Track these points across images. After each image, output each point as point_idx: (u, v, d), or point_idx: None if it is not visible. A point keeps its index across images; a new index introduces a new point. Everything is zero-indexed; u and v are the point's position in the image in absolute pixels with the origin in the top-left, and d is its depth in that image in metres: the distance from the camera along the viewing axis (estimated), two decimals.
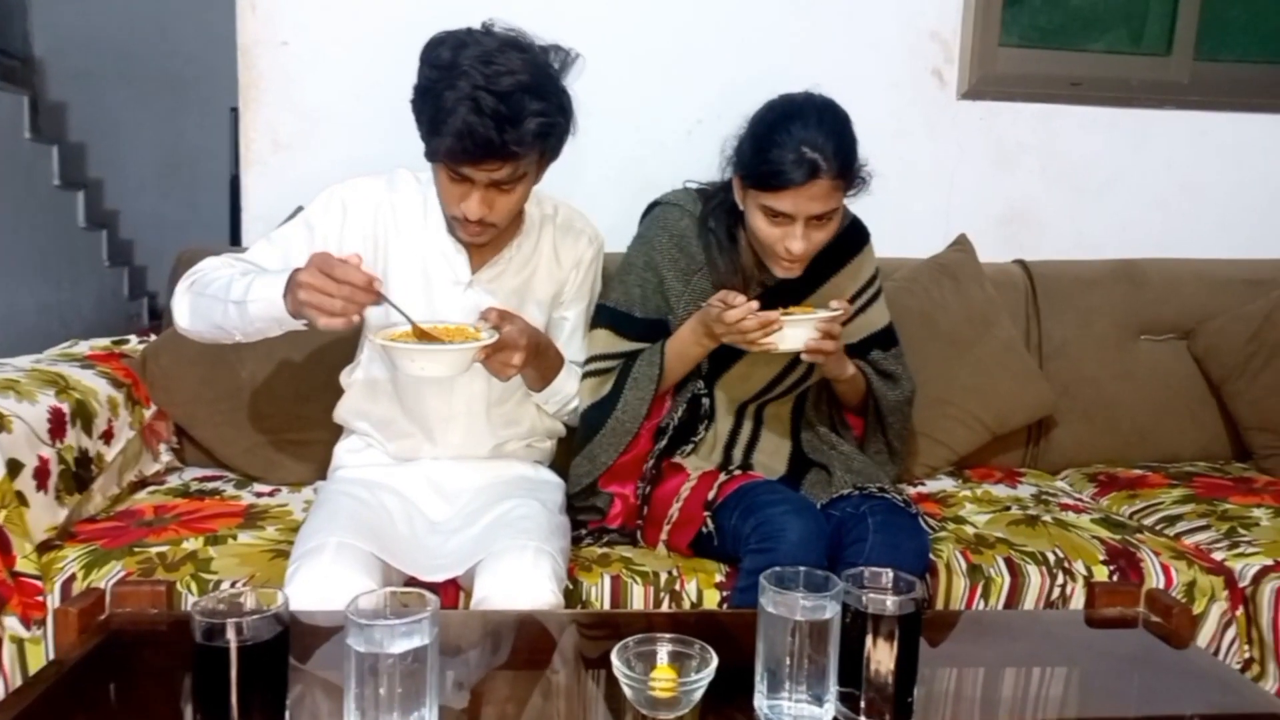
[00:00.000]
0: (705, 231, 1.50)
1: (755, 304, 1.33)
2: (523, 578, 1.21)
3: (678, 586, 1.41)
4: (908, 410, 1.63)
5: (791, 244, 1.38)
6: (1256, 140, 2.31)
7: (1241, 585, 1.53)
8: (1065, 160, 2.25)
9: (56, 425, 1.45)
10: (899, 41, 2.14)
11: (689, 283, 1.51)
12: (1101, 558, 1.54)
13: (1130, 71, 2.29)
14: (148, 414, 1.72)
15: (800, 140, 1.33)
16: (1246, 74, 2.34)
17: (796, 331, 1.35)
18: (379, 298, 1.18)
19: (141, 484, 1.70)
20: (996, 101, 2.20)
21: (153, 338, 1.84)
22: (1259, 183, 2.32)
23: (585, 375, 1.51)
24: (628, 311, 1.51)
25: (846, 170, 1.37)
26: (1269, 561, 1.54)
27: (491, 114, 1.20)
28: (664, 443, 1.52)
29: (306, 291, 1.16)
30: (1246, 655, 1.54)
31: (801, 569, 0.91)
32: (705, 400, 1.54)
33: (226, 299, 1.26)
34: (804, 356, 1.40)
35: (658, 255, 1.51)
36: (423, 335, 1.26)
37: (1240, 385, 2.02)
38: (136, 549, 1.39)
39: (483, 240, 1.38)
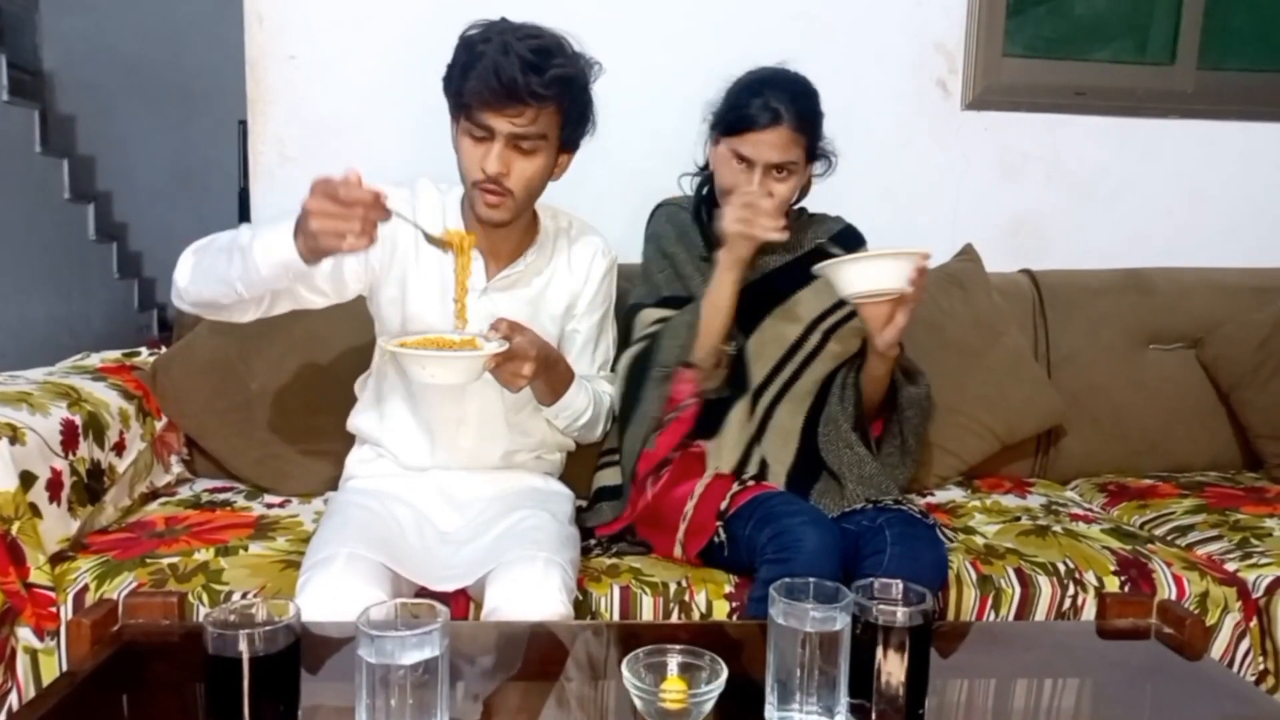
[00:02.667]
0: (699, 214, 1.59)
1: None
2: (533, 589, 1.21)
3: (687, 597, 1.41)
4: (926, 406, 1.62)
5: (751, 186, 1.45)
6: (1262, 148, 2.30)
7: (1255, 596, 1.53)
8: (1071, 170, 2.25)
9: (69, 437, 1.46)
10: (903, 53, 2.15)
11: (700, 267, 1.57)
12: (1113, 568, 1.53)
13: (1135, 81, 2.30)
14: (159, 426, 1.73)
15: (767, 93, 1.46)
16: (1251, 83, 2.34)
17: (899, 265, 1.32)
18: (388, 212, 1.15)
19: (153, 495, 1.71)
20: (1001, 112, 2.20)
21: (163, 350, 1.85)
22: (1265, 191, 2.32)
23: (629, 351, 1.54)
24: (659, 296, 1.58)
25: (806, 125, 1.47)
26: None
27: (519, 57, 1.27)
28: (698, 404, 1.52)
29: (319, 220, 1.12)
30: (1261, 667, 1.52)
31: (811, 580, 0.91)
32: (736, 347, 1.54)
33: (232, 247, 1.23)
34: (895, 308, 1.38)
35: (667, 245, 1.61)
36: (433, 344, 1.27)
37: (1250, 393, 2.02)
38: (148, 560, 1.40)
39: (499, 214, 1.36)
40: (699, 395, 1.52)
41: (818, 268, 1.40)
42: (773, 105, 1.44)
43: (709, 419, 1.55)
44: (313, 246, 1.15)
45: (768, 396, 1.58)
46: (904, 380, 1.58)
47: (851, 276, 1.34)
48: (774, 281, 1.58)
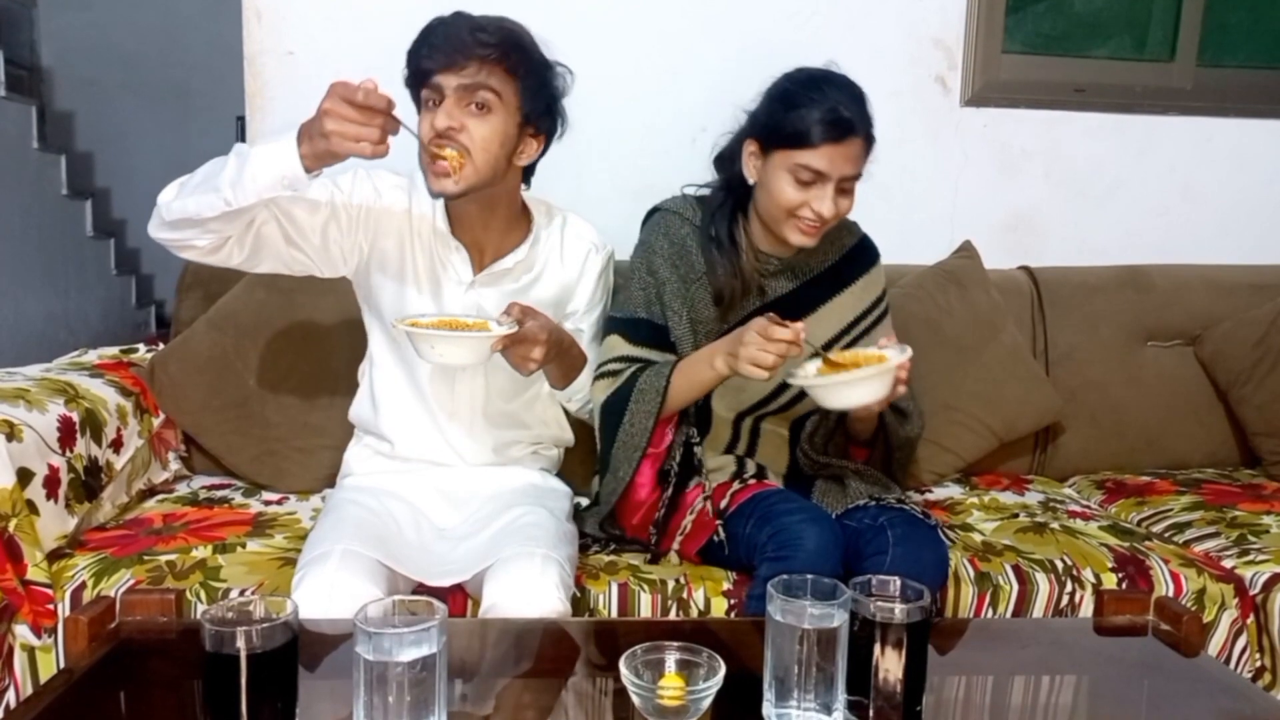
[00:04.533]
0: (706, 238, 1.49)
1: (801, 326, 1.27)
2: (530, 585, 1.21)
3: (685, 594, 1.41)
4: (914, 446, 1.59)
5: (822, 206, 1.36)
6: (1260, 145, 2.30)
7: (1252, 593, 1.53)
8: (1069, 166, 2.25)
9: (66, 434, 1.46)
10: (902, 49, 2.14)
11: (688, 291, 1.49)
12: (1110, 565, 1.53)
13: (1134, 78, 2.29)
14: (156, 422, 1.73)
15: (834, 99, 1.35)
16: (1249, 79, 2.34)
17: (872, 386, 1.24)
18: (398, 123, 1.15)
19: (150, 492, 1.71)
20: (1000, 108, 2.20)
21: (161, 346, 1.84)
22: (1263, 188, 2.32)
23: (597, 378, 1.50)
24: (633, 316, 1.50)
25: (870, 139, 1.38)
26: (1279, 569, 1.54)
27: (466, 20, 1.30)
28: (669, 491, 1.48)
29: (336, 121, 1.10)
30: (1258, 663, 1.53)
31: (809, 577, 0.91)
32: (697, 449, 1.50)
33: (228, 157, 1.21)
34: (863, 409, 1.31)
35: (658, 260, 1.50)
36: (446, 326, 1.28)
37: (1247, 390, 2.02)
38: (146, 557, 1.40)
39: (450, 186, 1.30)
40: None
41: (796, 383, 1.29)
42: (845, 115, 1.34)
43: (685, 472, 1.51)
44: (322, 150, 1.13)
45: (751, 417, 1.56)
46: (899, 423, 1.52)
47: (831, 398, 1.28)
48: (780, 309, 1.47)
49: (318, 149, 1.14)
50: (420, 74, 1.31)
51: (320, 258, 1.38)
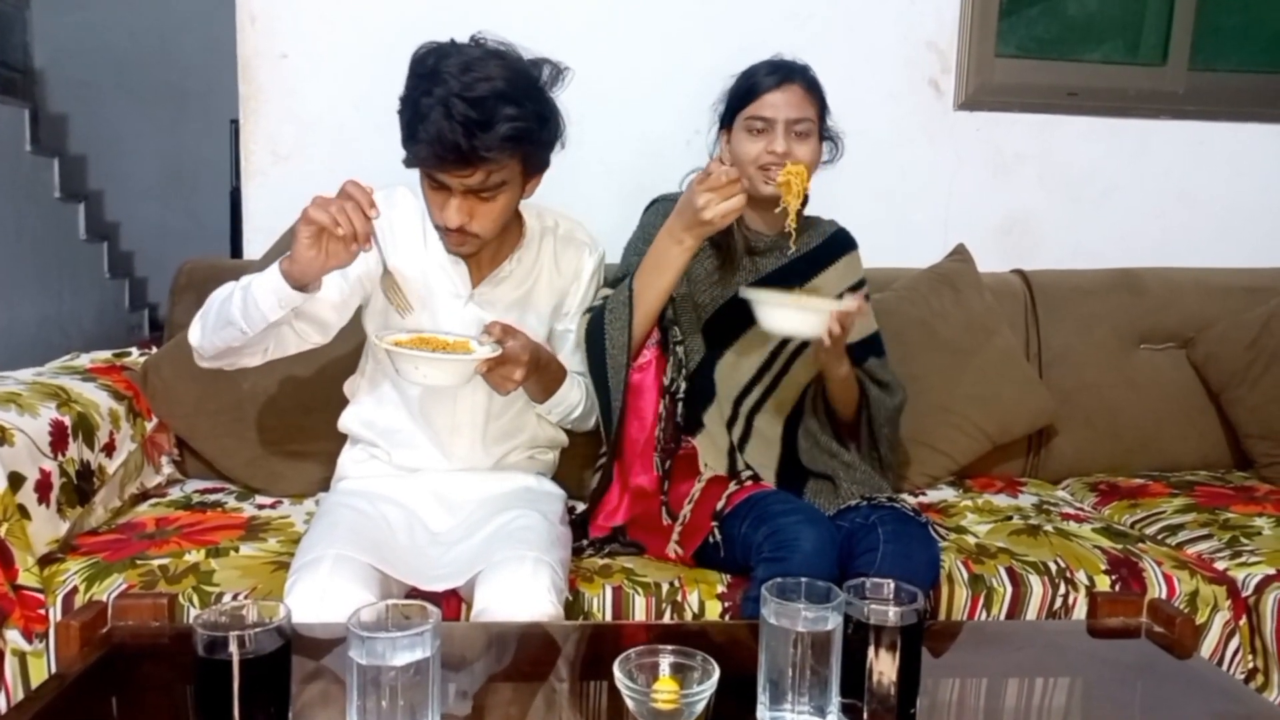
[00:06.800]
0: None
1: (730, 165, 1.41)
2: (521, 589, 1.21)
3: (679, 598, 1.41)
4: (898, 420, 1.63)
5: (776, 144, 1.46)
6: (1253, 149, 2.31)
7: (1244, 595, 1.53)
8: (1063, 170, 2.26)
9: (58, 438, 1.45)
10: (897, 52, 2.15)
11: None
12: (1103, 567, 1.53)
13: (1127, 81, 2.30)
14: (149, 426, 1.73)
15: (773, 61, 1.53)
16: (1242, 83, 2.35)
17: (807, 316, 1.36)
18: (370, 226, 1.17)
19: (143, 496, 1.70)
20: (994, 112, 2.21)
21: (154, 350, 1.84)
22: (1256, 191, 2.33)
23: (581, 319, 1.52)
24: (625, 272, 1.53)
25: (816, 90, 1.52)
26: (1272, 571, 1.54)
27: (462, 120, 1.22)
28: (679, 414, 1.52)
29: (312, 208, 1.15)
30: (1250, 665, 1.53)
31: (804, 580, 0.91)
32: (680, 348, 1.55)
33: (234, 290, 1.27)
34: (811, 341, 1.41)
35: (654, 233, 1.51)
36: (424, 344, 1.27)
37: (1240, 393, 2.02)
38: (138, 561, 1.39)
39: (466, 251, 1.38)
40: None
41: (744, 292, 1.42)
42: (783, 68, 1.51)
43: (687, 415, 1.55)
44: (304, 259, 1.17)
45: (748, 404, 1.58)
46: (882, 395, 1.58)
47: (767, 317, 1.39)
48: (772, 282, 1.56)
49: (298, 258, 1.18)
50: (418, 165, 1.30)
51: (337, 318, 1.40)
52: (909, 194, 2.19)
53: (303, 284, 1.22)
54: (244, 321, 1.24)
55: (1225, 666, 1.51)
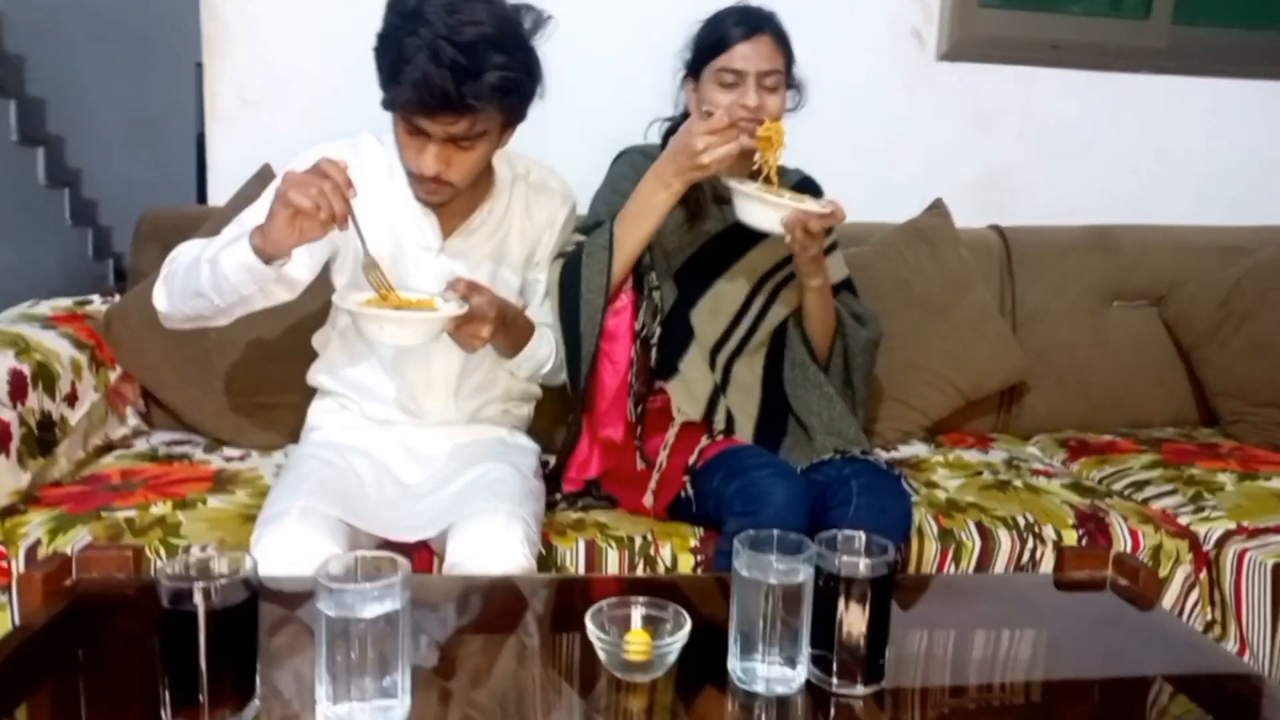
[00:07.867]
0: None
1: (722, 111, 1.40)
2: (494, 542, 1.21)
3: (652, 551, 1.41)
4: (874, 354, 1.63)
5: (747, 98, 1.45)
6: (1232, 106, 2.31)
7: (1205, 549, 1.56)
8: (1042, 124, 2.25)
9: (17, 387, 1.42)
10: (878, 1, 2.11)
11: None
12: (1071, 522, 1.56)
13: (1109, 35, 2.28)
14: (113, 376, 1.69)
15: (741, 8, 1.51)
16: (1223, 39, 2.34)
17: (768, 211, 1.39)
18: (349, 206, 1.15)
19: (108, 448, 1.67)
20: (975, 63, 2.18)
21: (117, 298, 1.80)
22: (1234, 149, 2.33)
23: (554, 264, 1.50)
24: (595, 220, 1.51)
25: (783, 39, 1.50)
26: (1232, 525, 1.57)
27: (450, 64, 1.17)
28: (652, 360, 1.51)
29: (290, 190, 1.12)
30: (1209, 617, 1.57)
31: (775, 532, 0.91)
32: (657, 293, 1.53)
33: (199, 259, 1.24)
34: (785, 234, 1.39)
35: (623, 184, 1.51)
36: (387, 302, 1.24)
37: (1210, 352, 2.05)
38: (103, 514, 1.37)
39: (440, 199, 1.35)
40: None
41: (726, 180, 1.43)
42: (751, 16, 1.48)
43: (662, 360, 1.54)
44: (275, 234, 1.15)
45: (725, 353, 1.58)
46: (857, 326, 1.58)
47: (743, 208, 1.42)
48: (729, 238, 1.56)
49: (272, 237, 1.16)
50: (396, 104, 1.25)
51: (306, 279, 1.36)
52: (887, 147, 2.17)
53: (274, 258, 1.20)
54: (215, 294, 1.23)
55: (1185, 618, 1.54)
